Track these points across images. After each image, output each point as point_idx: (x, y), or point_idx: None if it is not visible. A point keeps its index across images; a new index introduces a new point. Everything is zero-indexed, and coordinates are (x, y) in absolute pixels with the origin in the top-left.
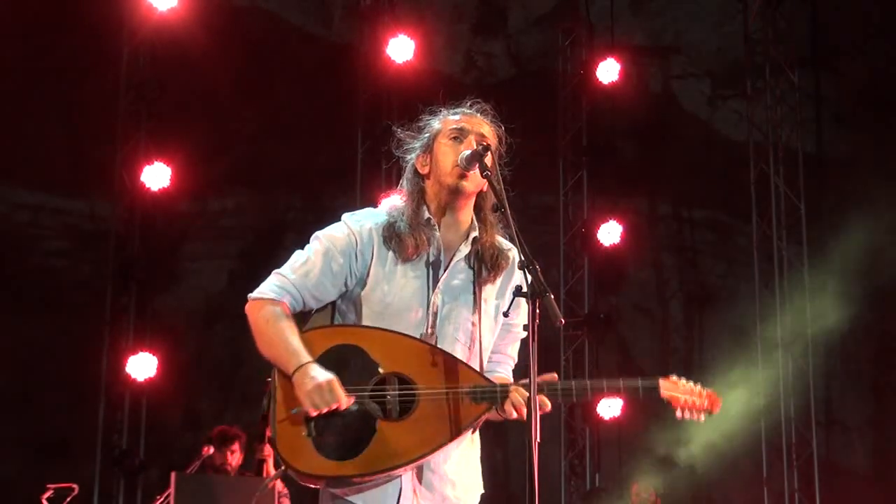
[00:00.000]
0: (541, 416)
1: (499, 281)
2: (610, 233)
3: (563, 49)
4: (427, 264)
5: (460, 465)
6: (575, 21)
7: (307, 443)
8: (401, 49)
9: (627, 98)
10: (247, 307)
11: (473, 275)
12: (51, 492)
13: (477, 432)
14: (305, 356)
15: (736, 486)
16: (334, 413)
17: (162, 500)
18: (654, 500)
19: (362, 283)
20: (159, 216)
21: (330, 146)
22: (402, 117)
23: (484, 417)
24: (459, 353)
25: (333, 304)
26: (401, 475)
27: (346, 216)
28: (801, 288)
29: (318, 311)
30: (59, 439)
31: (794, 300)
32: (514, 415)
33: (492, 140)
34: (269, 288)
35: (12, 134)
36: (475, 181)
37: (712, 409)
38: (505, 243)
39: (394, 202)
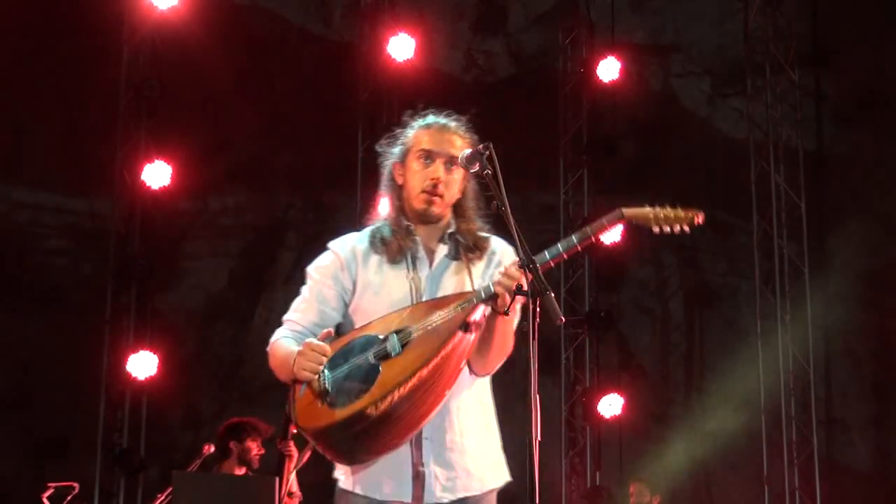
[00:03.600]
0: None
1: (481, 265)
2: (610, 231)
3: (563, 47)
4: (411, 266)
5: (480, 439)
6: (575, 19)
7: (324, 407)
8: (401, 47)
9: (628, 96)
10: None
11: (458, 265)
12: (51, 490)
13: (493, 420)
14: (295, 351)
15: (736, 485)
16: (344, 379)
17: (162, 498)
18: (653, 500)
19: (353, 292)
20: (160, 215)
21: (330, 145)
22: (403, 116)
23: (476, 317)
24: None
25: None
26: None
27: (330, 243)
28: (802, 286)
29: None
30: (60, 438)
31: (795, 298)
32: (507, 297)
33: (448, 150)
34: (276, 334)
35: (13, 133)
36: (442, 205)
37: (694, 217)
38: (484, 231)
39: (377, 217)
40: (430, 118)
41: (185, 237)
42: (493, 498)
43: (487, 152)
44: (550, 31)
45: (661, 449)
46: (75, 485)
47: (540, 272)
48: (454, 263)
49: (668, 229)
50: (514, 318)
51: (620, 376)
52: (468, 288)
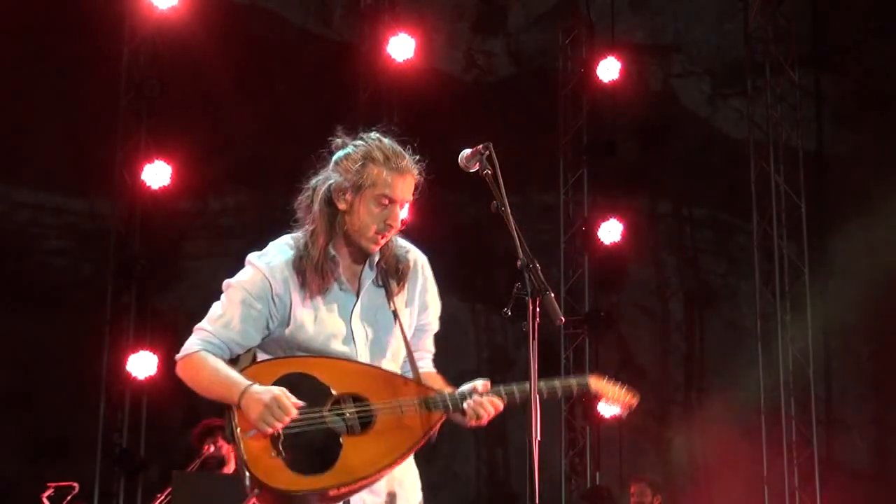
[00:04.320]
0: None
1: (406, 288)
2: (610, 231)
3: (563, 47)
4: (340, 296)
5: (404, 469)
6: (575, 19)
7: (279, 462)
8: (401, 48)
9: (628, 96)
10: (176, 369)
11: (385, 292)
12: (51, 490)
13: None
14: (244, 382)
15: (736, 485)
16: (299, 433)
17: (162, 498)
18: (654, 500)
19: (285, 322)
20: (160, 215)
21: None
22: (403, 116)
23: (439, 424)
24: (389, 368)
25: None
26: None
27: (252, 258)
28: (802, 286)
29: (241, 355)
30: (60, 438)
31: (795, 298)
32: (473, 422)
33: (408, 198)
34: (191, 344)
35: (13, 133)
36: (384, 242)
37: (632, 403)
38: (403, 246)
39: (299, 233)
40: (388, 152)
41: (185, 237)
42: None
43: (487, 152)
44: (550, 31)
45: (661, 449)
46: (75, 485)
47: (539, 272)
48: (381, 292)
49: (612, 408)
50: None
51: (620, 376)
52: (405, 322)
